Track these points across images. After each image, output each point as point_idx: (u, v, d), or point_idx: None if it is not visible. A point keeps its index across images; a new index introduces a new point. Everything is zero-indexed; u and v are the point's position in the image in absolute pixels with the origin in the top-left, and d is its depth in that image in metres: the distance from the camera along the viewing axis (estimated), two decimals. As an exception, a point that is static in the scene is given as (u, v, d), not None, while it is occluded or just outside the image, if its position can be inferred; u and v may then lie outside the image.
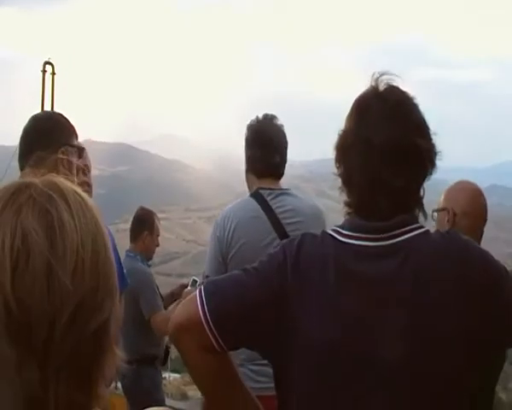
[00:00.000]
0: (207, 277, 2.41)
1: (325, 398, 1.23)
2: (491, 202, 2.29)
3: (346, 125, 1.31)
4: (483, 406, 1.33)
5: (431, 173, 1.30)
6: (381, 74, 1.31)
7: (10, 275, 0.68)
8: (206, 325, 1.21)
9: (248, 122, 2.61)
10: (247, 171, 2.60)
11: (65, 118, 2.19)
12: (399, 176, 1.24)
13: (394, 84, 1.31)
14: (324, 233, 1.30)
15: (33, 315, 0.68)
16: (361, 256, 1.23)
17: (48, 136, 2.08)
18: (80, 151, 2.14)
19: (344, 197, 1.31)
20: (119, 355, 0.77)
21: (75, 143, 2.15)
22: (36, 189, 0.73)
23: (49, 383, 0.68)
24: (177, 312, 1.28)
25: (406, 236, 1.24)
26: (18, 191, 0.73)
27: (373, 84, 1.31)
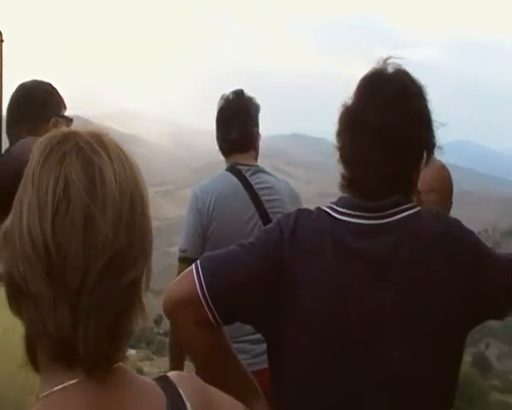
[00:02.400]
0: (185, 251, 2.40)
1: (319, 371, 1.25)
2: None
3: (350, 102, 1.33)
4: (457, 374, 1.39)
5: (428, 160, 1.33)
6: (389, 57, 1.33)
7: (51, 220, 0.71)
8: (203, 300, 1.21)
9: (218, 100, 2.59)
10: (220, 149, 2.60)
11: (54, 88, 2.16)
12: (390, 162, 1.27)
13: (402, 67, 1.33)
14: (319, 210, 1.31)
15: (69, 260, 0.71)
16: (357, 234, 1.26)
17: (40, 106, 2.06)
18: (68, 122, 2.11)
19: (341, 170, 1.33)
20: (146, 314, 0.79)
21: (64, 113, 2.14)
22: (81, 139, 0.75)
23: (79, 326, 0.71)
24: (173, 287, 1.27)
25: (400, 215, 1.27)
26: (63, 140, 0.75)
27: (381, 64, 1.33)
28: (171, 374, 0.85)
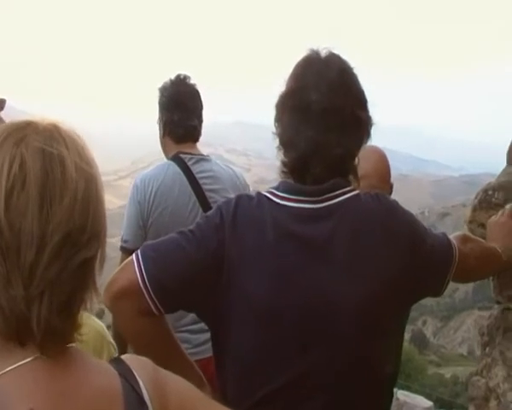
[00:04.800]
0: (126, 241, 2.36)
1: (264, 353, 1.25)
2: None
3: (287, 86, 1.32)
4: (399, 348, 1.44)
5: (366, 143, 1.34)
6: (324, 47, 1.33)
7: (4, 197, 0.72)
8: (144, 290, 1.20)
9: (161, 85, 2.52)
10: (164, 135, 2.51)
11: None
12: (337, 144, 1.27)
13: (334, 52, 1.33)
14: (259, 195, 1.31)
15: (23, 237, 0.72)
16: (297, 218, 1.26)
17: None
18: (2, 103, 1.95)
19: (281, 156, 1.32)
20: (100, 295, 0.82)
21: None
22: (39, 126, 0.77)
23: (33, 303, 0.72)
24: (114, 278, 1.25)
25: (339, 198, 1.28)
26: (21, 127, 0.77)
27: (314, 49, 1.32)
28: (125, 356, 0.87)
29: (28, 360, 0.73)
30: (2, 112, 2.04)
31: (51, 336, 0.73)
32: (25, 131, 0.76)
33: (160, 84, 2.53)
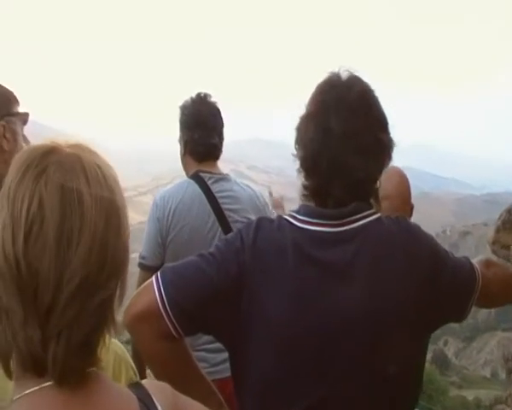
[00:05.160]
0: (144, 258, 2.37)
1: (284, 378, 1.24)
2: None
3: (308, 109, 1.31)
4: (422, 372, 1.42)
5: (387, 165, 1.33)
6: (342, 68, 1.33)
7: (23, 237, 0.71)
8: (164, 313, 1.20)
9: (181, 103, 2.54)
10: (185, 154, 2.53)
11: None
12: (359, 167, 1.26)
13: (355, 73, 1.33)
14: (280, 218, 1.30)
15: (40, 279, 0.71)
16: (318, 242, 1.25)
17: None
18: (25, 117, 1.89)
19: (301, 179, 1.31)
20: (119, 327, 0.81)
21: (15, 110, 1.87)
22: (59, 157, 0.75)
23: (49, 343, 0.71)
24: (134, 301, 1.24)
25: (361, 222, 1.27)
26: (42, 156, 0.75)
27: (335, 72, 1.32)
28: (144, 381, 0.87)
29: (45, 385, 0.73)
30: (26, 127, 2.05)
31: (67, 372, 0.73)
32: (46, 160, 0.74)
33: (181, 101, 2.55)
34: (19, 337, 0.71)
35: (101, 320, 0.76)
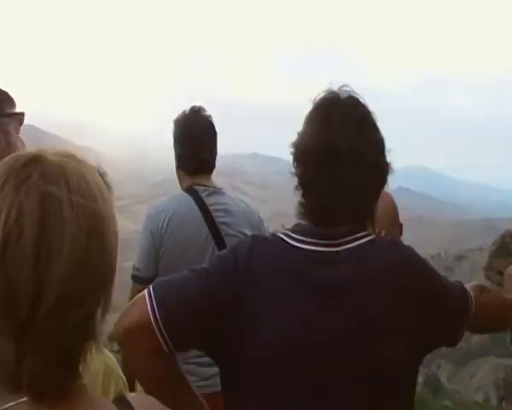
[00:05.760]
0: (137, 270, 2.37)
1: (275, 396, 1.23)
2: (398, 204, 2.37)
3: (306, 128, 1.31)
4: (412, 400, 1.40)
5: (383, 189, 1.34)
6: (343, 86, 1.32)
7: (1, 248, 0.68)
8: (156, 329, 1.18)
9: (175, 117, 2.54)
10: (178, 168, 2.54)
11: None
12: (359, 189, 1.27)
13: (354, 93, 1.32)
14: (275, 236, 1.29)
15: (17, 292, 0.68)
16: (312, 261, 1.24)
17: None
18: (21, 117, 1.83)
19: (299, 197, 1.31)
20: (100, 342, 0.77)
21: (9, 110, 1.79)
22: (42, 167, 0.72)
23: (24, 359, 0.69)
24: (125, 313, 1.23)
25: (356, 243, 1.26)
26: (23, 166, 0.72)
27: (334, 90, 1.31)
28: (130, 396, 0.84)
29: (22, 400, 0.70)
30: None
31: (43, 389, 0.70)
32: (28, 169, 0.71)
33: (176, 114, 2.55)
34: None
35: (80, 336, 0.73)
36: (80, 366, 0.75)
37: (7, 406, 0.70)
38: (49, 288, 0.68)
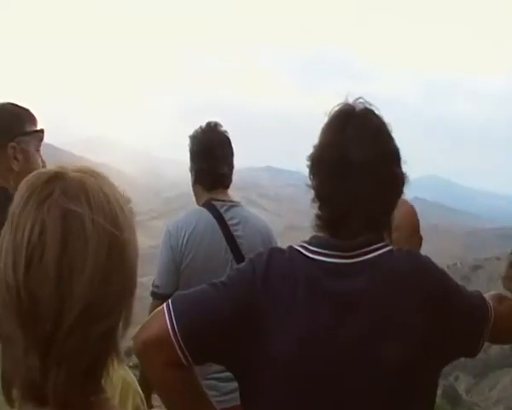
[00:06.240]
0: (157, 286, 2.39)
1: (294, 409, 1.23)
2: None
3: (322, 139, 1.32)
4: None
5: (399, 199, 1.34)
6: (358, 98, 1.33)
7: (24, 266, 0.70)
8: (174, 341, 1.20)
9: (191, 132, 2.55)
10: (195, 183, 2.56)
11: (11, 104, 1.85)
12: (374, 200, 1.27)
13: (369, 105, 1.33)
14: (292, 248, 1.30)
15: (41, 308, 0.70)
16: (330, 273, 1.25)
17: None
18: (41, 135, 1.84)
19: (315, 209, 1.31)
20: (121, 355, 0.79)
21: (31, 129, 1.81)
22: (63, 184, 0.74)
23: (50, 373, 0.70)
24: (144, 327, 1.25)
25: (373, 254, 1.27)
26: (45, 183, 0.74)
27: (349, 102, 1.32)
28: None
29: None
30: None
31: (71, 401, 0.72)
32: (50, 186, 0.74)
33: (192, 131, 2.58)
34: (20, 366, 0.70)
35: (103, 351, 0.75)
36: (103, 380, 0.77)
37: None
38: (71, 304, 0.70)
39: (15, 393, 0.74)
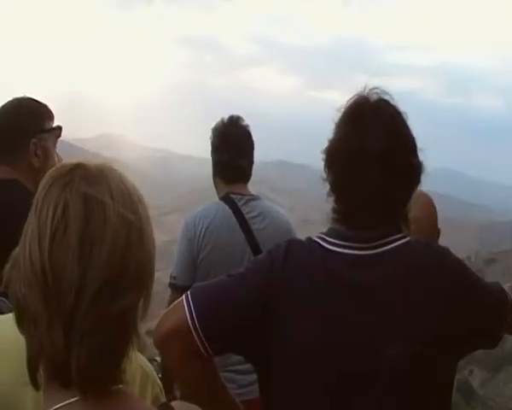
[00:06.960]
0: (175, 278, 2.44)
1: (312, 401, 1.24)
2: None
3: (336, 132, 1.32)
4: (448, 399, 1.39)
5: (416, 189, 1.35)
6: (373, 88, 1.33)
7: (49, 242, 0.75)
8: (194, 332, 1.21)
9: (213, 125, 2.59)
10: (215, 175, 2.59)
11: (31, 100, 1.88)
12: (391, 190, 1.27)
13: (384, 96, 1.33)
14: (310, 240, 1.31)
15: (64, 281, 0.74)
16: (348, 264, 1.26)
17: (11, 132, 1.79)
18: (58, 131, 1.89)
19: (331, 203, 1.32)
20: (142, 339, 0.82)
21: (48, 125, 1.86)
22: (85, 171, 0.79)
23: (72, 348, 0.74)
24: (163, 319, 1.27)
25: (390, 245, 1.27)
26: (68, 171, 0.79)
27: (364, 94, 1.32)
28: (174, 403, 0.88)
29: (73, 400, 0.75)
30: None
31: (91, 380, 0.74)
32: (72, 174, 0.79)
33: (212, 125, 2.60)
34: (44, 343, 0.74)
35: (123, 329, 0.78)
36: (123, 364, 0.79)
37: (58, 406, 0.75)
38: (92, 274, 0.74)
39: (41, 374, 0.77)
